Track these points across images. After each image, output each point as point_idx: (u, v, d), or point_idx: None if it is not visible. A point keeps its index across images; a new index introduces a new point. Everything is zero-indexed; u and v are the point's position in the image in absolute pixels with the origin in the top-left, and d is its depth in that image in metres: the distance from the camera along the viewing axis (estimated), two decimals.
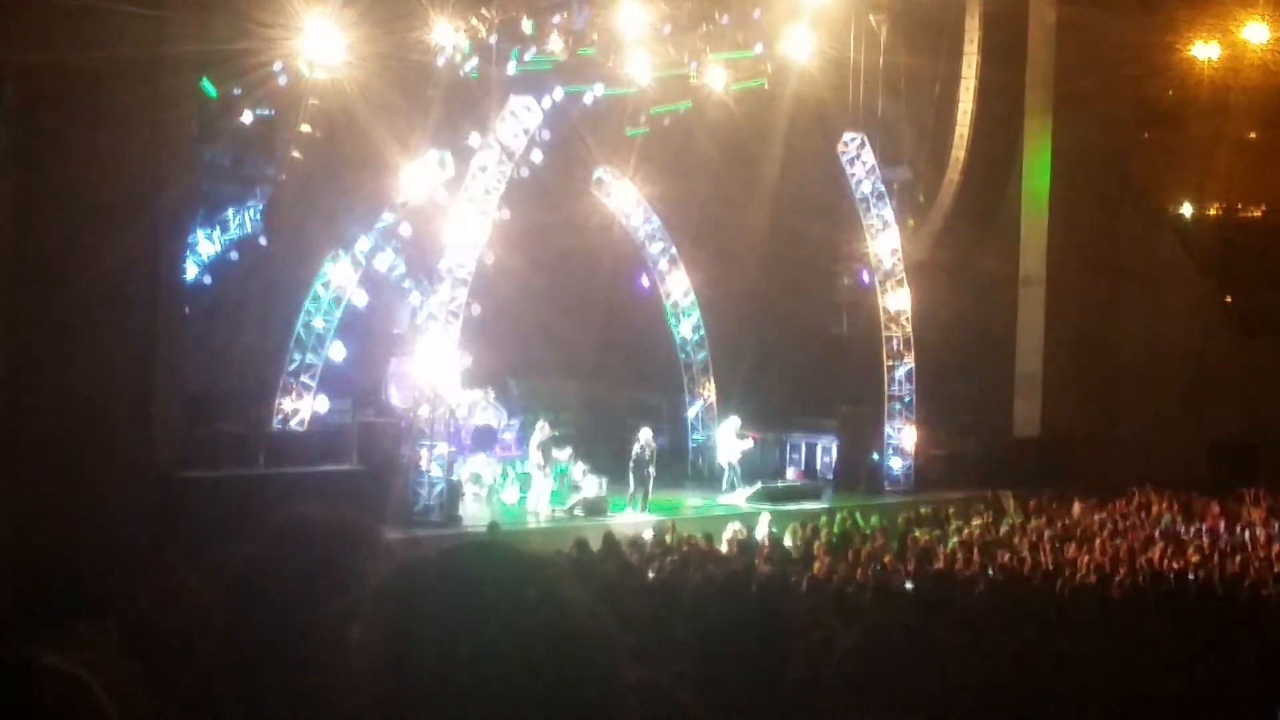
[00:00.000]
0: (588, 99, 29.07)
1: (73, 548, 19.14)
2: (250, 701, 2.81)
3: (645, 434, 27.30)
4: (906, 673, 3.10)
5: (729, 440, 29.54)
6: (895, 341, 31.06)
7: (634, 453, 26.95)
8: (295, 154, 28.79)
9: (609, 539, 21.41)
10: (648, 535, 23.36)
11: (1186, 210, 38.43)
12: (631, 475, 26.91)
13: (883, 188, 31.25)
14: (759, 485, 28.74)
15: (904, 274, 31.19)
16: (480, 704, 1.80)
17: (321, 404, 28.78)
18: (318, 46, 25.76)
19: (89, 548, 19.19)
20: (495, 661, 1.82)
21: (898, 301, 31.05)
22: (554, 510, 26.20)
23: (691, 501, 28.11)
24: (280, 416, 28.43)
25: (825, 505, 27.64)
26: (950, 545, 22.69)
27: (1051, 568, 20.37)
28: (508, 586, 1.89)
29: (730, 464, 29.24)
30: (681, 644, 9.67)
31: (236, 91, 26.80)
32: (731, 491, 28.63)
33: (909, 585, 18.35)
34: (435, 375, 25.19)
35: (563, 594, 1.92)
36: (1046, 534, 23.67)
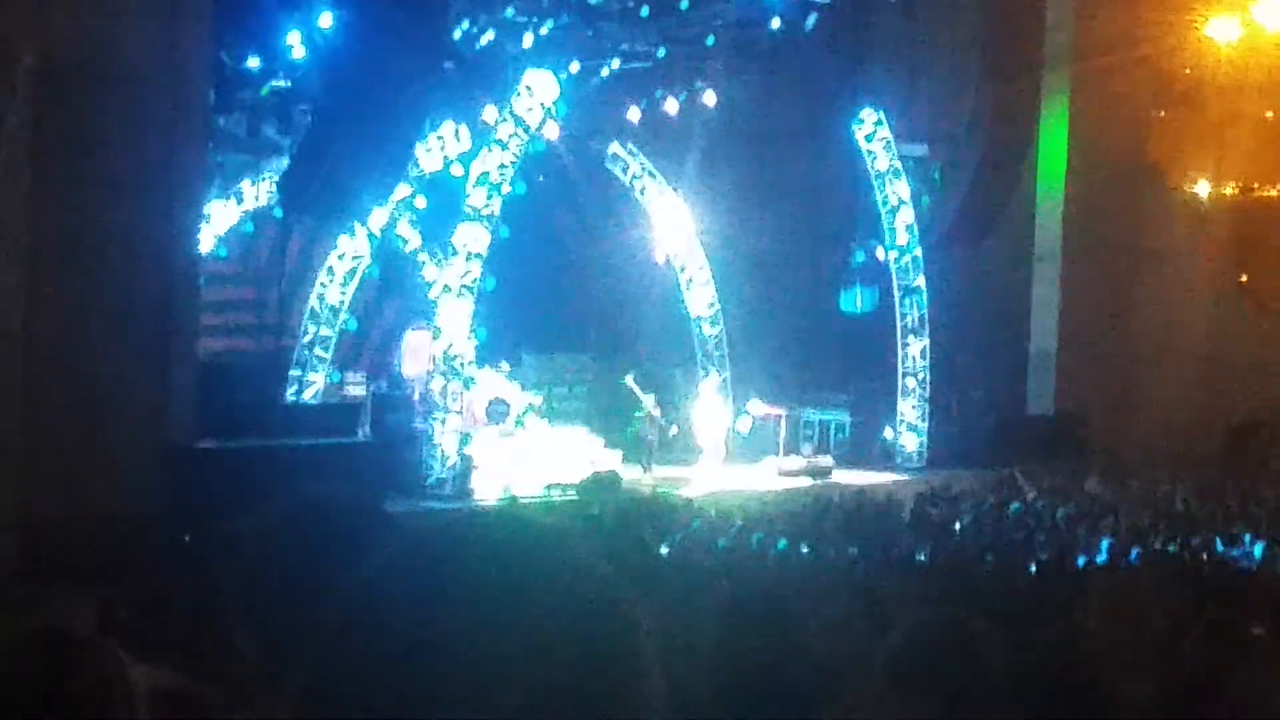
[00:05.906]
0: (604, 72, 28.91)
1: (86, 518, 19.17)
2: (266, 675, 2.78)
3: (649, 401, 27.41)
4: (939, 665, 3.07)
5: (717, 416, 29.23)
6: (909, 318, 30.99)
7: (638, 422, 27.01)
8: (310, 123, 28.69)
9: (624, 512, 21.44)
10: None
11: (1203, 189, 38.20)
12: (638, 446, 27.00)
13: (898, 164, 31.17)
14: (770, 461, 28.72)
15: (919, 251, 31.13)
16: (493, 690, 1.61)
17: (335, 376, 28.82)
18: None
19: (102, 518, 19.22)
20: (511, 644, 1.62)
21: (911, 278, 30.99)
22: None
23: (697, 474, 28.05)
24: (294, 388, 28.45)
25: (837, 482, 27.64)
26: (963, 523, 22.67)
27: (1064, 547, 20.35)
28: (528, 560, 1.69)
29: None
30: (698, 621, 9.67)
31: (253, 63, 26.72)
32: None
33: (922, 562, 18.41)
34: (449, 348, 25.19)
35: (589, 570, 1.72)
36: (1060, 512, 23.61)
